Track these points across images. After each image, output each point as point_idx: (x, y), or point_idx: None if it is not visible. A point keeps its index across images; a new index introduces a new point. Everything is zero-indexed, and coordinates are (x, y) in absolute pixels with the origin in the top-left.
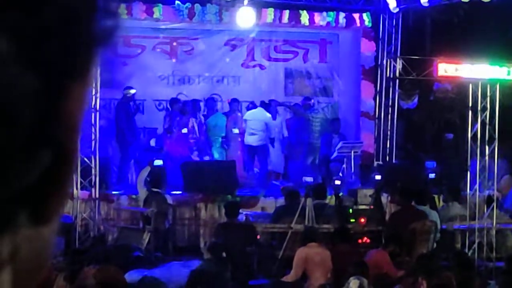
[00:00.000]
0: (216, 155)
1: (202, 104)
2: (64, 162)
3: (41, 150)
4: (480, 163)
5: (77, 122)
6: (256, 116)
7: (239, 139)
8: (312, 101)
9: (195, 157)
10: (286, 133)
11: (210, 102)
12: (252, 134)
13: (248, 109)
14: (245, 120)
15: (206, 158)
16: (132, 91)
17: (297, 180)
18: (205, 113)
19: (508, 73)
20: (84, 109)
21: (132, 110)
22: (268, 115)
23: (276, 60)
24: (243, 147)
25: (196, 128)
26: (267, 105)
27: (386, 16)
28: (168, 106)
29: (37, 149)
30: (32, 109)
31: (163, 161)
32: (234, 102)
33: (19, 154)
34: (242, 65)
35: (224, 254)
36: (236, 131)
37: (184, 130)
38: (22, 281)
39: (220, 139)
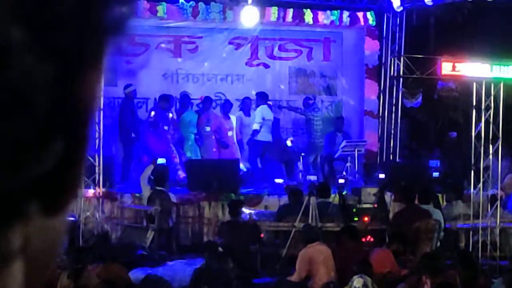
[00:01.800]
0: (189, 154)
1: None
2: (77, 151)
3: (55, 139)
4: (484, 162)
5: (90, 111)
6: (270, 114)
7: (213, 137)
8: (312, 101)
9: (175, 154)
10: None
11: (184, 98)
12: (268, 132)
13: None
14: (264, 119)
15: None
16: (132, 88)
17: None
18: (177, 108)
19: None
20: (97, 97)
21: (136, 108)
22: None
23: (280, 58)
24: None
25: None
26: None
27: (390, 15)
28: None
29: (51, 138)
30: (47, 97)
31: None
32: (207, 100)
33: (33, 142)
34: (246, 63)
35: (220, 249)
36: (208, 129)
37: (166, 127)
38: (34, 273)
39: (192, 136)
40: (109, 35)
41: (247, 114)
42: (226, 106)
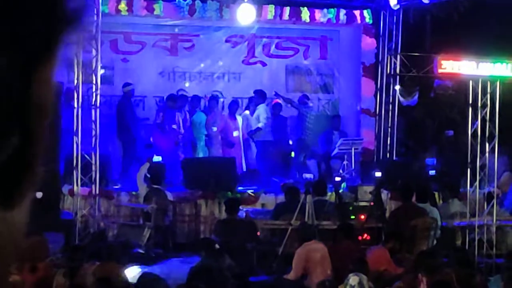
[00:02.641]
0: (201, 154)
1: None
2: (32, 145)
3: (9, 133)
4: (480, 160)
5: (46, 105)
6: (269, 112)
7: (219, 137)
8: (308, 100)
9: (180, 153)
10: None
11: (194, 99)
12: (267, 131)
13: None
14: (268, 118)
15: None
16: (131, 87)
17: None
18: (188, 109)
19: (507, 70)
20: (52, 92)
21: (134, 106)
22: None
23: (277, 56)
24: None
25: (181, 123)
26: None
27: (386, 13)
28: (168, 102)
29: (6, 132)
30: (1, 91)
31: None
32: (212, 99)
33: None
34: (243, 62)
35: (217, 246)
36: (215, 129)
37: (174, 126)
38: None
39: (203, 137)
40: (64, 27)
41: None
42: (233, 106)
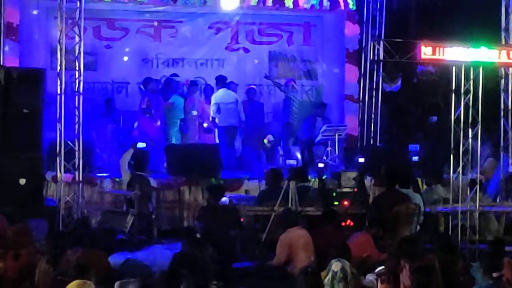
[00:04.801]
0: (173, 140)
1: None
2: None
3: None
4: (463, 146)
5: None
6: (231, 97)
7: (197, 123)
8: (292, 83)
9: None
10: (243, 117)
11: (171, 83)
12: (228, 115)
13: (210, 91)
14: (218, 103)
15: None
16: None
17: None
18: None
19: (490, 56)
20: None
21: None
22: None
23: (260, 43)
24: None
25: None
26: (228, 86)
27: None
28: (142, 86)
29: None
30: None
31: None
32: (192, 84)
33: None
34: (226, 48)
35: (198, 236)
36: (195, 113)
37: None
38: None
39: (178, 122)
40: None
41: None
42: (208, 90)
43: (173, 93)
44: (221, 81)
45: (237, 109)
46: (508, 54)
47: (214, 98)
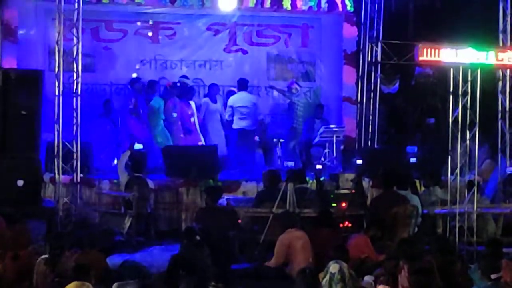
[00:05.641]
0: (160, 139)
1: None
2: None
3: None
4: (461, 148)
5: None
6: (246, 100)
7: (179, 123)
8: (295, 85)
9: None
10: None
11: (153, 84)
12: (243, 118)
13: (230, 95)
14: (232, 106)
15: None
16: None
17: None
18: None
19: (488, 58)
20: None
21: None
22: (254, 96)
23: (258, 44)
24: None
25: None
26: (247, 89)
27: (368, 1)
28: (128, 86)
29: None
30: None
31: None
32: (174, 86)
33: None
34: (224, 49)
35: (198, 237)
36: (175, 115)
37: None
38: None
39: (162, 122)
40: None
41: (214, 100)
42: (187, 92)
43: (156, 94)
44: (242, 84)
45: (253, 112)
46: (505, 56)
47: (229, 101)
